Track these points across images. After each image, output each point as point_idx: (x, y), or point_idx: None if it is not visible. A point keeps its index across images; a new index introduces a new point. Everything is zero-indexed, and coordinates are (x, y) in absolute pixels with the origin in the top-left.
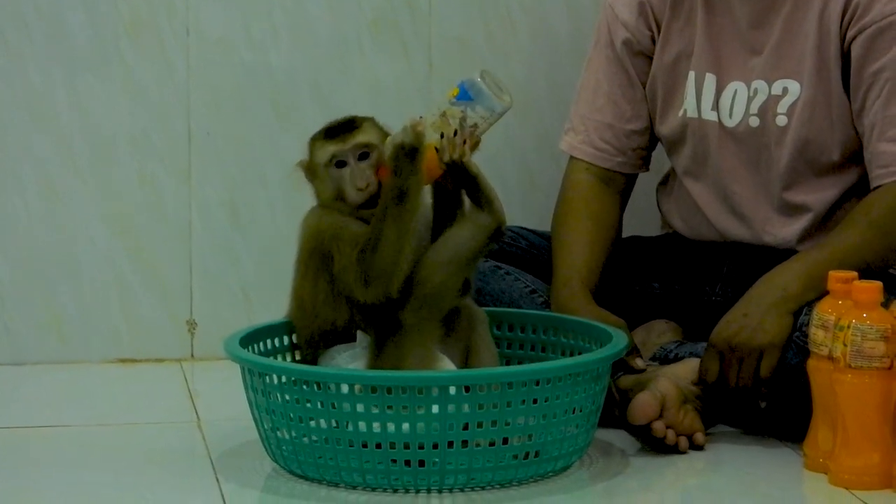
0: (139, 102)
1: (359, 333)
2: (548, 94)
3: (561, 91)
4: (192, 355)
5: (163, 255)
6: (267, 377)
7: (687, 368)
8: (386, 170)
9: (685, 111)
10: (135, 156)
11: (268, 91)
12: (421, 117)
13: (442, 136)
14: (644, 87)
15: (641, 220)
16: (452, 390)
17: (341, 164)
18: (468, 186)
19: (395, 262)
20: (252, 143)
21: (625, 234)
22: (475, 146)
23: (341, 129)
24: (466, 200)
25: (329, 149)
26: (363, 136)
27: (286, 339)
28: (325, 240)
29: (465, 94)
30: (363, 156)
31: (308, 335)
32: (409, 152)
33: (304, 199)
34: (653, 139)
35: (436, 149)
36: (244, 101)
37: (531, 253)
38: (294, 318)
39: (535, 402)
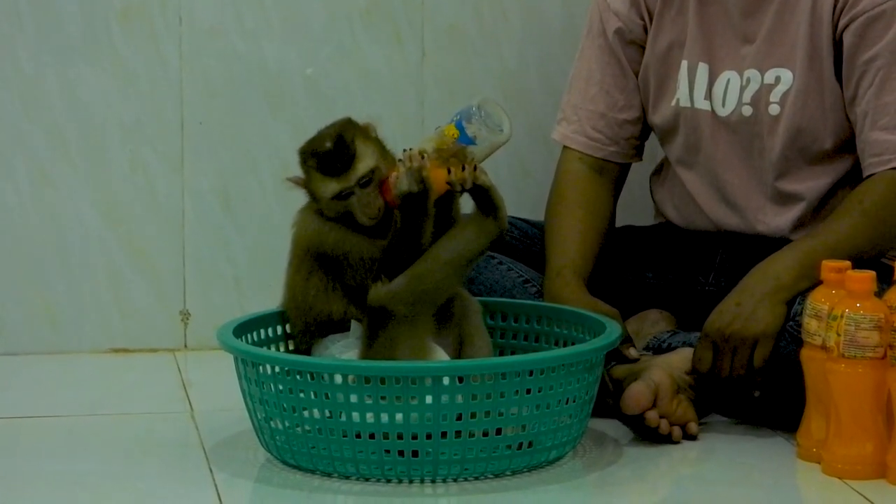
0: (131, 91)
1: (353, 323)
2: (540, 84)
3: (553, 80)
4: (186, 345)
5: (155, 244)
6: (260, 367)
7: (680, 358)
8: (390, 193)
9: (678, 100)
10: (127, 145)
11: (260, 80)
12: (423, 157)
13: (449, 171)
14: (636, 77)
15: (635, 209)
16: (446, 380)
17: (347, 195)
18: (478, 196)
19: (429, 283)
20: (245, 132)
21: (618, 224)
22: None
23: (338, 160)
24: (463, 200)
25: (332, 186)
26: (363, 166)
27: (279, 329)
28: (329, 250)
29: (466, 139)
30: (366, 182)
31: (302, 325)
32: (417, 198)
33: (297, 188)
34: (646, 128)
35: (448, 170)
36: (237, 89)
37: (524, 242)
38: (288, 309)
39: (528, 392)
